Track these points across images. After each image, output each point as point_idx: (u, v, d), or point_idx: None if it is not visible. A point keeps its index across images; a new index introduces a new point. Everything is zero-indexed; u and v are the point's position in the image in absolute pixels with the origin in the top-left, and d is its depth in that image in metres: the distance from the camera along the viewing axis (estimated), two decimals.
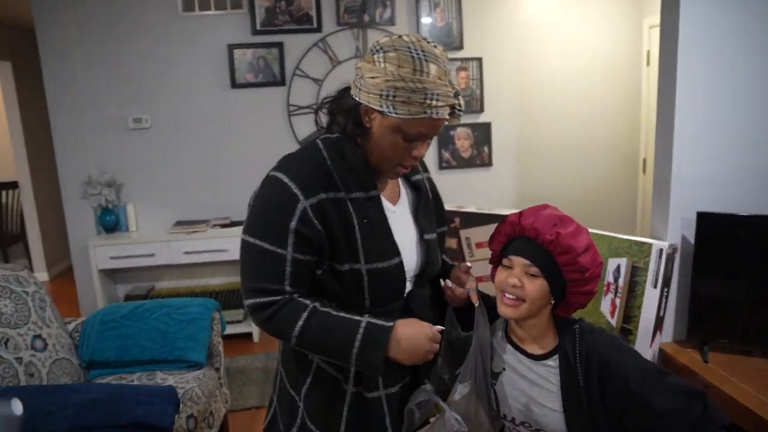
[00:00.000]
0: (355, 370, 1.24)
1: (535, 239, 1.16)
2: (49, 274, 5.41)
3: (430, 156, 4.11)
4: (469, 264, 1.34)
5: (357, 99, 1.15)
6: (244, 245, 1.18)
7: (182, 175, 3.90)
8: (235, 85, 3.86)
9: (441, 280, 1.33)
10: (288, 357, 1.35)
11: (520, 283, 1.16)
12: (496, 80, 4.16)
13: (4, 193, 4.99)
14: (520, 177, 4.33)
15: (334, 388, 1.27)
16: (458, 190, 4.12)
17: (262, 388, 3.13)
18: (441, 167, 4.16)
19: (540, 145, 4.31)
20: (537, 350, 1.23)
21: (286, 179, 1.15)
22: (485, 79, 4.15)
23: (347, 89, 1.21)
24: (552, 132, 4.30)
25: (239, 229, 3.92)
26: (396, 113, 1.08)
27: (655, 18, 4.00)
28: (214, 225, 3.78)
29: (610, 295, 2.42)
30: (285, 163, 1.20)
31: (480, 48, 4.11)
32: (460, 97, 1.14)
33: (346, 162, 1.19)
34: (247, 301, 1.18)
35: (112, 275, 3.89)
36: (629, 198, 4.50)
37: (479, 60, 4.10)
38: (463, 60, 4.09)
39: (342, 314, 1.16)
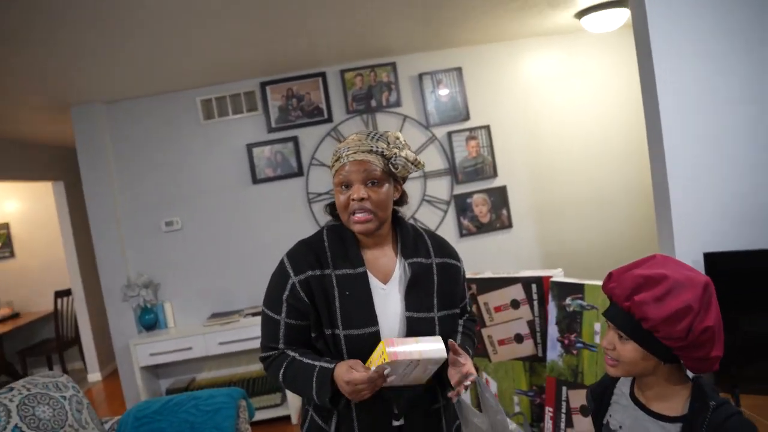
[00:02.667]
0: (335, 425, 1.42)
1: (619, 304, 1.12)
2: (101, 374, 5.64)
3: (450, 225, 4.20)
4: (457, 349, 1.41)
5: None
6: (261, 313, 1.50)
7: (214, 270, 4.12)
8: (256, 180, 4.12)
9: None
10: (301, 401, 1.62)
11: (611, 346, 1.15)
12: (506, 144, 4.29)
13: (59, 300, 5.33)
14: (542, 235, 4.35)
15: None
16: (481, 256, 4.17)
17: None
18: (461, 235, 4.23)
19: (557, 201, 4.34)
20: (662, 410, 1.14)
21: (285, 260, 1.46)
22: (495, 145, 4.27)
23: None
24: (567, 186, 4.34)
25: None
26: (332, 175, 1.46)
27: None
28: (246, 314, 3.92)
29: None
30: (293, 246, 1.51)
31: (486, 116, 4.26)
32: (398, 151, 1.43)
33: (342, 243, 1.45)
34: (259, 356, 1.50)
35: (154, 371, 4.05)
36: (651, 241, 4.42)
37: (487, 128, 4.25)
38: (471, 130, 4.24)
39: (308, 361, 1.39)
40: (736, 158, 2.31)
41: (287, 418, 3.86)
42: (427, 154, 4.19)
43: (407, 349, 1.25)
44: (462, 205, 4.26)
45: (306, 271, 1.41)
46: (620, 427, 1.20)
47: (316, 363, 1.37)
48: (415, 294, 1.44)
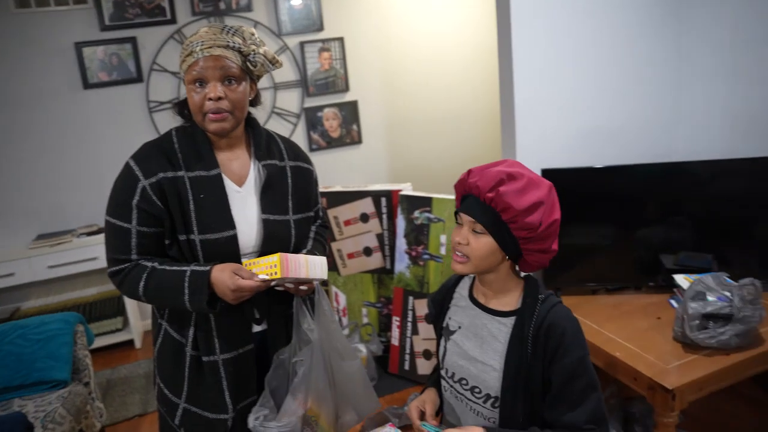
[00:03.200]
0: (193, 335, 1.38)
1: (479, 197, 1.15)
2: None
3: (299, 139, 4.12)
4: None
5: None
6: (105, 222, 1.36)
7: (39, 186, 3.66)
8: (87, 85, 3.65)
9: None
10: (152, 318, 1.49)
11: (465, 241, 1.17)
12: (359, 59, 4.21)
13: None
14: (392, 151, 4.44)
15: (177, 351, 1.40)
16: (331, 170, 4.17)
17: (144, 395, 3.06)
18: (311, 149, 4.17)
19: (408, 119, 4.43)
20: (498, 307, 1.22)
21: (132, 163, 1.34)
22: (348, 59, 4.18)
23: None
24: (419, 105, 4.44)
25: None
26: (182, 74, 1.34)
27: None
28: (81, 234, 3.59)
29: None
30: (137, 149, 1.39)
31: (341, 28, 4.13)
32: (255, 47, 1.34)
33: (195, 145, 1.37)
34: (108, 269, 1.36)
35: None
36: (495, 159, 4.75)
37: (341, 40, 4.13)
38: (324, 41, 4.10)
39: (174, 267, 1.31)
40: (575, 87, 2.49)
41: (130, 342, 3.69)
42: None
43: (298, 268, 1.30)
44: (312, 119, 4.17)
45: (157, 173, 1.31)
46: (459, 327, 1.28)
47: (185, 268, 1.30)
48: (270, 196, 1.42)
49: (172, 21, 3.75)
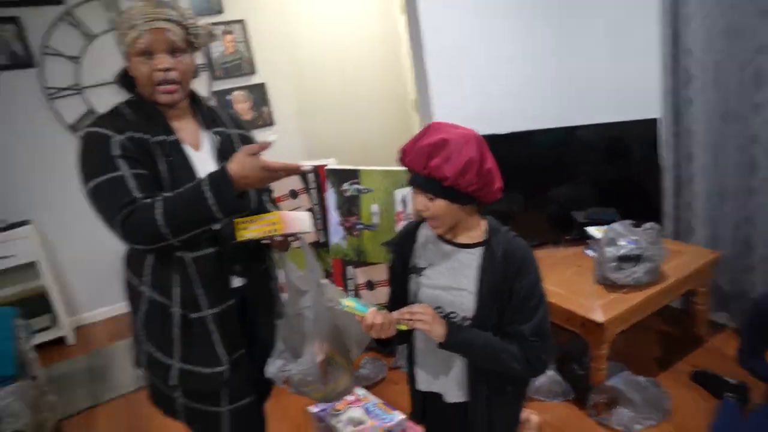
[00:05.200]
0: (179, 295, 1.39)
1: (419, 173, 1.27)
2: None
3: None
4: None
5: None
6: (90, 193, 1.31)
7: None
8: None
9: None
10: (127, 291, 1.47)
11: (425, 208, 1.29)
12: (263, 42, 4.26)
13: None
14: (304, 131, 4.57)
15: (164, 313, 1.41)
16: None
17: (91, 388, 3.06)
18: None
19: (319, 99, 4.58)
20: (466, 240, 1.37)
21: (93, 128, 1.33)
22: (252, 42, 4.22)
23: None
24: (328, 86, 4.60)
25: (21, 231, 3.62)
26: (125, 48, 1.35)
27: None
28: None
29: (403, 223, 2.82)
30: (94, 120, 1.38)
31: (241, 10, 4.15)
32: (192, 21, 1.39)
33: (147, 114, 1.38)
34: (116, 230, 1.29)
35: None
36: (406, 135, 5.02)
37: (241, 22, 4.14)
38: (226, 23, 4.09)
39: (181, 189, 1.29)
40: (480, 64, 2.77)
41: (62, 339, 3.61)
42: None
43: (294, 223, 1.40)
44: (222, 103, 4.18)
45: (125, 132, 1.33)
46: (429, 264, 1.41)
47: (195, 181, 1.29)
48: (225, 159, 1.38)
49: (59, 1, 3.54)
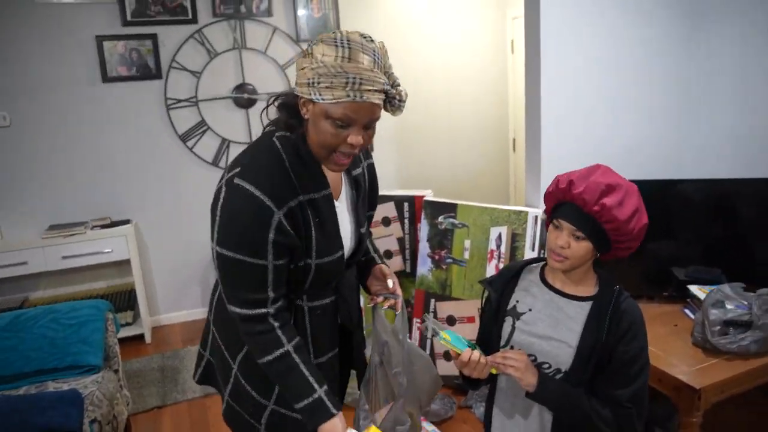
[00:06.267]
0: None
1: (583, 208, 1.23)
2: None
3: None
4: (387, 272, 1.48)
5: (295, 93, 1.19)
6: (222, 258, 1.20)
7: (53, 176, 3.65)
8: (106, 79, 3.67)
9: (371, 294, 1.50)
10: (222, 321, 1.42)
11: (567, 245, 1.26)
12: None
13: None
14: (401, 161, 4.57)
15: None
16: None
17: (161, 388, 3.07)
18: None
19: (418, 132, 4.57)
20: (575, 292, 1.33)
21: (257, 192, 1.16)
22: None
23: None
24: (428, 119, 4.58)
25: (121, 229, 3.77)
26: (321, 98, 1.11)
27: (517, 10, 4.39)
28: (94, 227, 3.58)
29: (494, 261, 2.68)
30: (249, 171, 1.19)
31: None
32: (399, 88, 1.20)
33: (302, 162, 1.22)
34: (233, 309, 1.24)
35: None
36: (502, 174, 4.93)
37: None
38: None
39: (304, 371, 1.26)
40: (605, 105, 2.66)
41: (141, 336, 3.69)
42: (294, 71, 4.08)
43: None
44: None
45: (288, 202, 1.19)
46: (530, 309, 1.38)
47: (317, 388, 1.26)
48: (360, 207, 1.41)
49: (194, 21, 3.81)
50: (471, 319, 2.72)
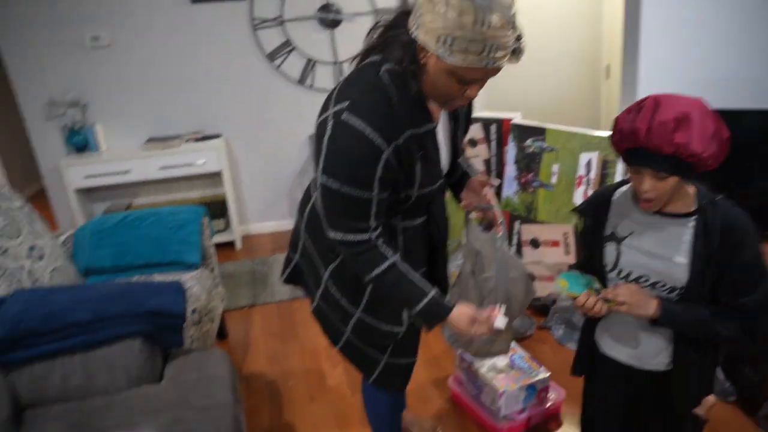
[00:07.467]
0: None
1: (658, 152, 1.15)
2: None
3: None
4: (484, 178, 1.49)
5: (414, 35, 1.13)
6: (326, 188, 1.22)
7: (148, 93, 3.83)
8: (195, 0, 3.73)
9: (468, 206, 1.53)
10: (314, 230, 1.49)
11: (651, 188, 1.20)
12: None
13: None
14: (488, 83, 4.41)
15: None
16: None
17: (252, 290, 3.29)
18: None
19: None
20: (674, 210, 1.27)
21: (368, 131, 1.16)
22: None
23: (403, 14, 1.20)
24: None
25: (213, 143, 3.94)
26: (452, 59, 1.08)
27: None
28: (187, 140, 3.77)
29: (583, 187, 2.61)
30: (358, 107, 1.19)
31: None
32: (522, 40, 1.15)
33: (409, 98, 1.20)
34: (334, 234, 1.29)
35: (87, 194, 3.87)
36: (594, 101, 4.69)
37: None
38: None
39: (413, 279, 1.31)
40: (707, 30, 2.45)
41: (231, 243, 3.93)
42: None
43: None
44: None
45: (397, 139, 1.20)
46: (632, 232, 1.33)
47: (427, 291, 1.31)
48: (458, 137, 1.43)
49: None
50: (555, 243, 2.69)
